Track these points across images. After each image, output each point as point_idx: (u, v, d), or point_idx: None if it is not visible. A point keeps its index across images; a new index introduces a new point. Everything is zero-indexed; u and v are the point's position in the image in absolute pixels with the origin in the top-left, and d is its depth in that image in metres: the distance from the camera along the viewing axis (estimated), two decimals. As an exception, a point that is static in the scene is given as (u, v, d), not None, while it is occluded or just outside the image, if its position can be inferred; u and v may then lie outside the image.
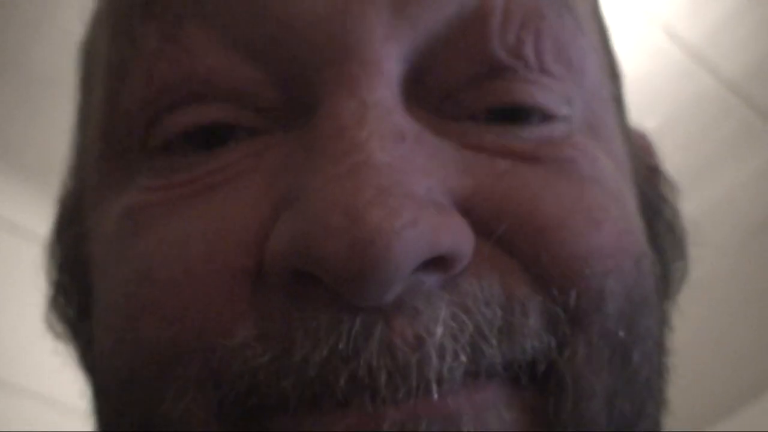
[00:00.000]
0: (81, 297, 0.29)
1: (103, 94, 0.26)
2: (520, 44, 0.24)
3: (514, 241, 0.23)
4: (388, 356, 0.20)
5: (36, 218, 1.55)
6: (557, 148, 0.24)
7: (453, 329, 0.21)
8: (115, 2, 0.27)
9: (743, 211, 1.49)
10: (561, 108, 0.25)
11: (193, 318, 0.22)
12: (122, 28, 0.26)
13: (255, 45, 0.24)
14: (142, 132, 0.25)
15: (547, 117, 0.25)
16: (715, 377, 1.62)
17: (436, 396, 0.21)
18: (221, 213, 0.23)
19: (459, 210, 0.22)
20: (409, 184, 0.21)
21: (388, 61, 0.23)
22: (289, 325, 0.21)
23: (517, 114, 0.25)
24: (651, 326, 0.25)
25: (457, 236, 0.21)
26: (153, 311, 0.23)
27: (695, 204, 1.30)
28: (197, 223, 0.23)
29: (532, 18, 0.25)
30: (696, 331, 1.42)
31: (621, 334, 0.24)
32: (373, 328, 0.20)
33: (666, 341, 0.28)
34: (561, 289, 0.23)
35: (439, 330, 0.21)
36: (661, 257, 0.30)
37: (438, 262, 0.21)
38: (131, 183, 0.25)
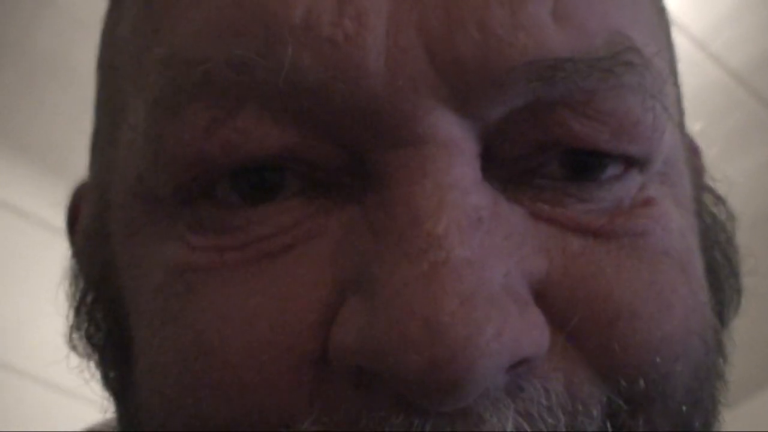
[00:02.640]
0: (110, 327, 0.28)
1: (142, 144, 0.24)
2: (611, 151, 0.23)
3: (585, 332, 0.22)
4: None
5: (40, 202, 1.55)
6: (631, 219, 0.23)
7: None
8: (153, 71, 0.24)
9: (749, 201, 1.49)
10: (638, 158, 0.24)
11: (254, 401, 0.22)
12: (165, 102, 0.24)
13: (318, 127, 0.22)
14: (186, 191, 0.24)
15: (624, 164, 0.24)
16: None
17: None
18: (282, 289, 0.22)
19: (534, 295, 0.22)
20: (490, 282, 0.20)
21: (465, 141, 0.22)
22: (357, 417, 0.21)
23: (592, 164, 0.23)
24: (711, 388, 0.25)
25: (537, 340, 0.21)
26: (212, 390, 0.22)
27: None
28: (258, 299, 0.22)
29: (626, 125, 0.23)
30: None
31: (684, 409, 0.23)
32: None
33: (719, 392, 0.27)
34: (629, 378, 0.22)
35: None
36: (717, 287, 0.29)
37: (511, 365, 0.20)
38: (172, 231, 0.24)
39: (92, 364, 0.31)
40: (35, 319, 1.41)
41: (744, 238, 0.33)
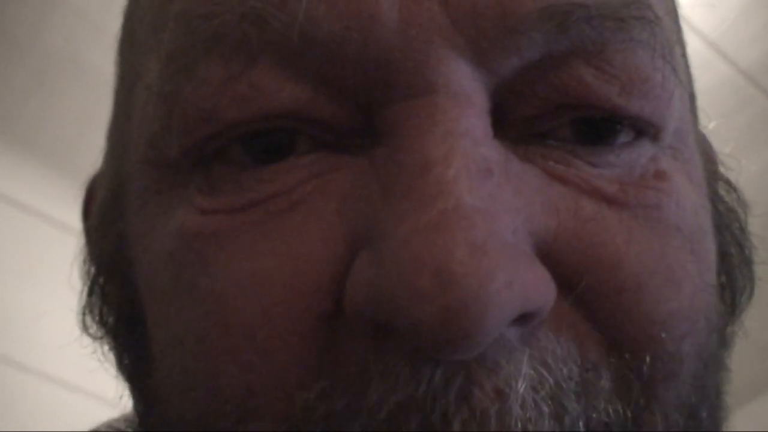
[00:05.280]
0: (122, 305, 0.28)
1: (156, 103, 0.24)
2: (620, 108, 0.23)
3: (591, 299, 0.22)
4: (465, 406, 0.20)
5: (48, 199, 1.55)
6: (644, 190, 0.23)
7: (534, 381, 0.20)
8: (168, 29, 0.24)
9: (761, 200, 1.48)
10: (651, 121, 0.24)
11: (271, 367, 0.21)
12: (180, 57, 0.23)
13: (330, 81, 0.22)
14: (198, 152, 0.24)
15: (636, 131, 0.24)
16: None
17: None
18: (292, 248, 0.22)
19: (539, 255, 0.21)
20: (500, 232, 0.20)
21: (477, 94, 0.22)
22: (365, 370, 0.21)
23: (604, 130, 0.23)
24: (715, 379, 0.25)
25: (545, 294, 0.21)
26: (229, 358, 0.22)
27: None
28: (269, 260, 0.22)
29: (636, 80, 0.23)
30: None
31: (693, 398, 0.23)
32: (453, 380, 0.20)
33: (724, 386, 0.27)
34: (634, 353, 0.22)
35: (521, 385, 0.20)
36: (729, 276, 0.29)
37: (520, 317, 0.20)
38: (183, 196, 0.24)
39: (104, 349, 0.31)
40: (41, 316, 1.42)
41: (760, 234, 0.32)
